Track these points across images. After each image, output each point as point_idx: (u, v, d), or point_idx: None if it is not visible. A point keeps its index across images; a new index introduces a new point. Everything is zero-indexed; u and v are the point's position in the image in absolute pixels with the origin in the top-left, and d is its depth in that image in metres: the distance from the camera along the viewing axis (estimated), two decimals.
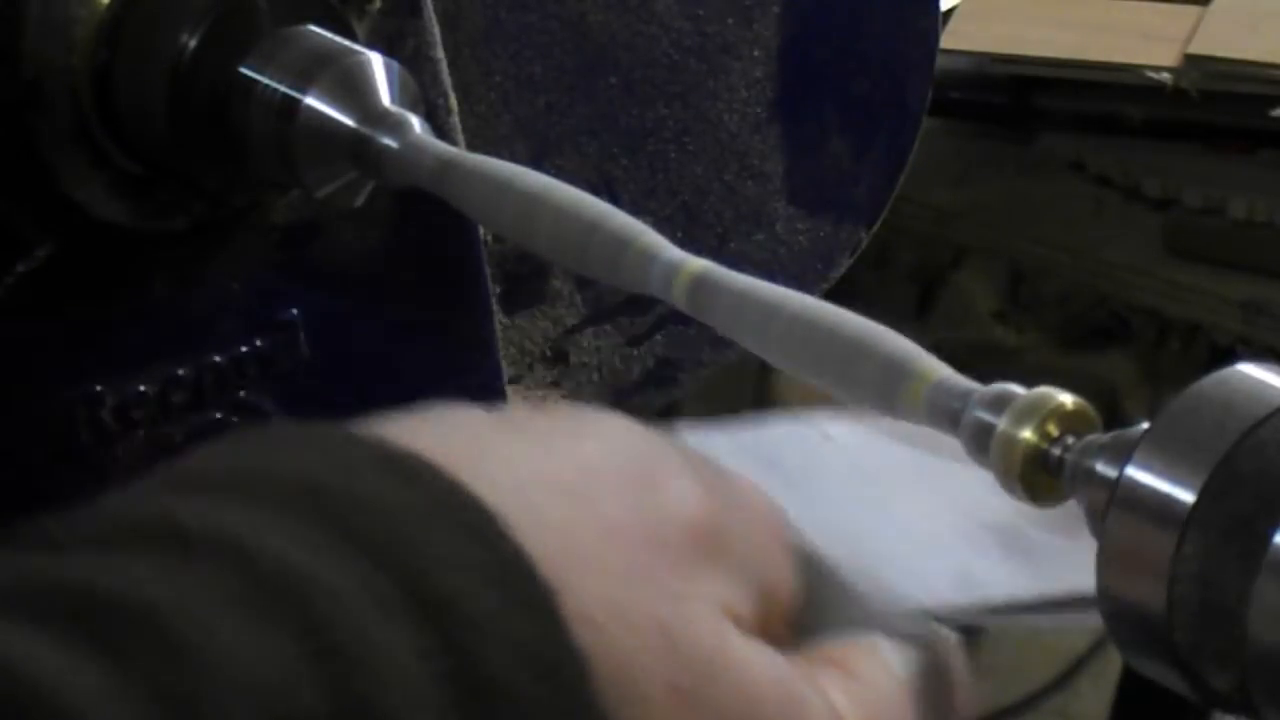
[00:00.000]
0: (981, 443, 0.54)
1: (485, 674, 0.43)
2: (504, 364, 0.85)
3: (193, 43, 0.67)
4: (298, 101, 0.67)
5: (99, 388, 0.71)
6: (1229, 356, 1.67)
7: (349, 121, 0.67)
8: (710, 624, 0.47)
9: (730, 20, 0.91)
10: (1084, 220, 1.83)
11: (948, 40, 1.17)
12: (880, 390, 0.57)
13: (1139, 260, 1.78)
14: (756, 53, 0.92)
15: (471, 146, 0.80)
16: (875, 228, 0.97)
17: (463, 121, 0.81)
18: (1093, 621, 0.53)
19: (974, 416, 0.54)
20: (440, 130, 0.76)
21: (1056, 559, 0.58)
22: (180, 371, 0.73)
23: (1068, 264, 1.81)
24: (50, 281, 0.69)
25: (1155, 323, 1.77)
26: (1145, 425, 0.50)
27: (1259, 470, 0.48)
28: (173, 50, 0.67)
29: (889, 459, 0.62)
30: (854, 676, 0.52)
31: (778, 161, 0.93)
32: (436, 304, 0.81)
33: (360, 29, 0.73)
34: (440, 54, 0.79)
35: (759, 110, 0.92)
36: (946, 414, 0.55)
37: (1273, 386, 0.49)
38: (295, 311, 0.76)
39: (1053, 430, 0.53)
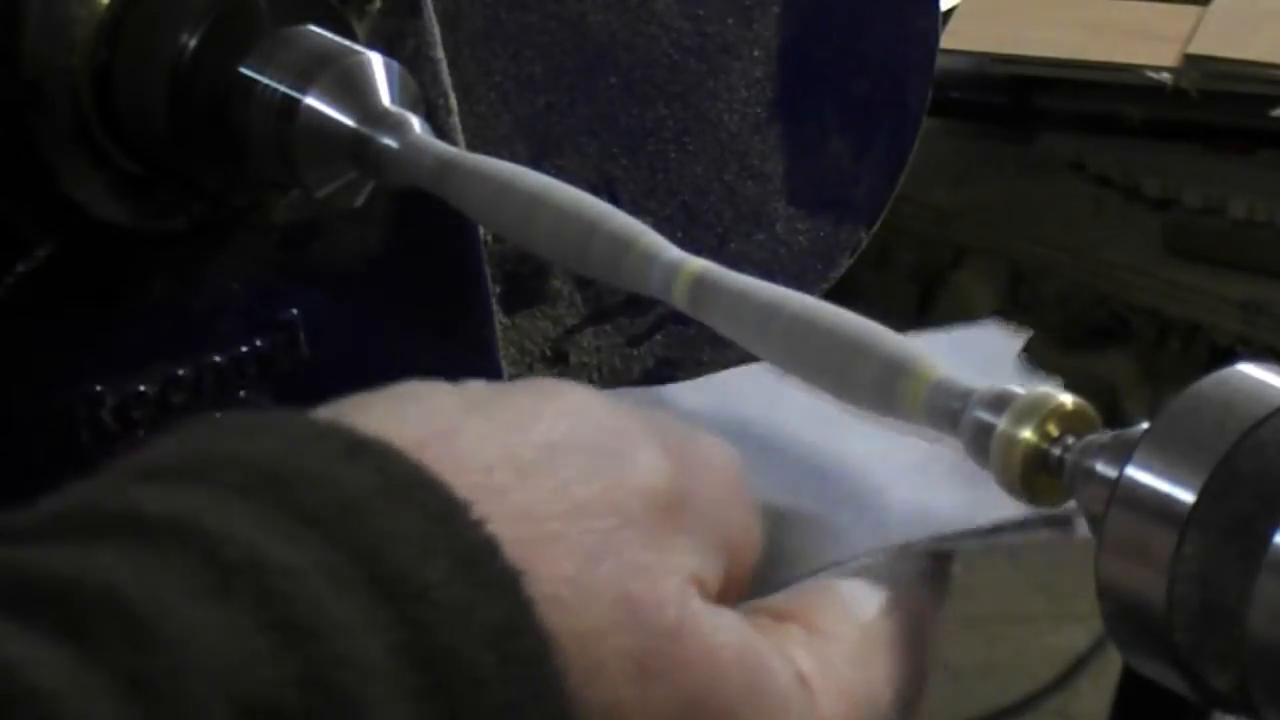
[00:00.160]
0: (981, 443, 0.54)
1: (441, 646, 0.43)
2: (504, 364, 0.85)
3: (193, 43, 0.67)
4: (298, 101, 0.67)
5: (99, 388, 0.71)
6: (1229, 356, 1.67)
7: (349, 121, 0.67)
8: (674, 594, 0.47)
9: (730, 20, 0.90)
10: (1084, 220, 1.83)
11: (948, 40, 1.17)
12: (879, 390, 0.57)
13: (1139, 260, 1.78)
14: (756, 53, 0.92)
15: (471, 146, 0.80)
16: (875, 228, 0.97)
17: (463, 121, 0.81)
18: (1055, 538, 0.54)
19: (973, 416, 0.54)
20: (440, 130, 0.76)
21: None
22: (180, 371, 0.73)
23: (1068, 264, 1.81)
24: (50, 281, 0.69)
25: (1155, 323, 1.77)
26: (1145, 425, 0.50)
27: (1259, 470, 0.48)
28: (173, 50, 0.67)
29: None
30: (816, 631, 0.52)
31: (778, 161, 0.93)
32: (436, 304, 0.81)
33: (360, 29, 0.73)
34: (440, 54, 0.79)
35: (759, 110, 0.92)
36: (946, 414, 0.55)
37: (1273, 386, 0.49)
38: (295, 311, 0.76)
39: (1053, 430, 0.53)
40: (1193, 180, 1.79)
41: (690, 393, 0.66)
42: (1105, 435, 0.53)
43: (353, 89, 0.67)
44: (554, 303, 0.88)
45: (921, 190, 1.81)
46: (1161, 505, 0.48)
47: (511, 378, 0.87)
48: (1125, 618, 0.49)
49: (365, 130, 0.67)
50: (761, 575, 0.53)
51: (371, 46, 0.70)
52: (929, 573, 0.55)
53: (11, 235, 0.68)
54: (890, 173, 0.97)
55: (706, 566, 0.49)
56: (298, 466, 0.45)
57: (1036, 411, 0.53)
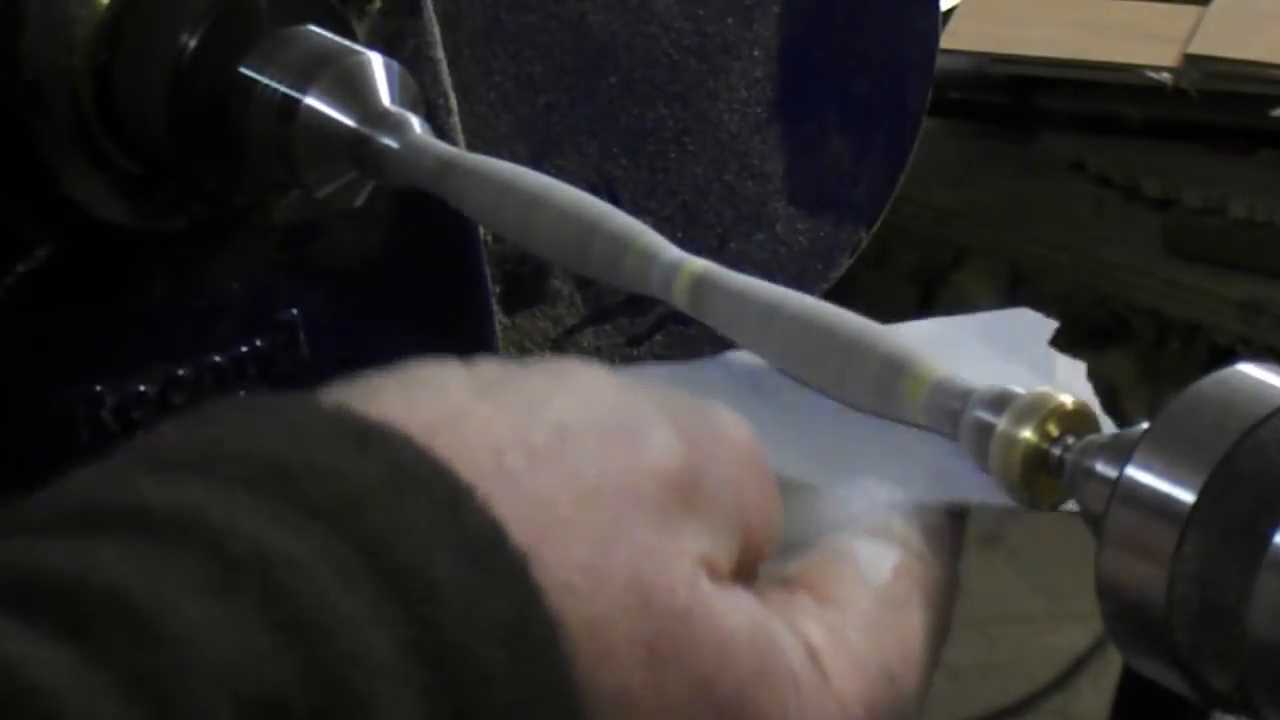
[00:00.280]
0: (981, 443, 0.54)
1: (450, 643, 0.42)
2: None
3: (193, 43, 0.67)
4: (298, 101, 0.67)
5: (99, 388, 0.71)
6: (1229, 356, 1.67)
7: (349, 121, 0.67)
8: (685, 577, 0.47)
9: (730, 20, 0.90)
10: (1084, 220, 1.83)
11: (948, 40, 1.17)
12: (879, 390, 0.57)
13: (1139, 260, 1.78)
14: (756, 53, 0.92)
15: (471, 146, 0.80)
16: (875, 228, 0.97)
17: (463, 121, 0.81)
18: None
19: (973, 416, 0.54)
20: (440, 130, 0.76)
21: None
22: (180, 371, 0.73)
23: (1068, 264, 1.81)
24: (50, 281, 0.69)
25: (1155, 323, 1.77)
26: (1145, 425, 0.50)
27: (1259, 470, 0.48)
28: (173, 50, 0.67)
29: None
30: (828, 600, 0.51)
31: (778, 161, 0.93)
32: (436, 304, 0.81)
33: (360, 29, 0.73)
34: (440, 54, 0.79)
35: (759, 110, 0.92)
36: (946, 414, 0.55)
37: (1273, 386, 0.49)
38: (295, 311, 0.76)
39: (1053, 430, 0.53)
40: (1193, 180, 1.79)
41: (711, 369, 0.65)
42: (1105, 435, 0.53)
43: (353, 89, 0.67)
44: (554, 303, 0.88)
45: (921, 190, 1.80)
46: (1161, 505, 0.48)
47: None
48: (1125, 617, 0.49)
49: (365, 130, 0.67)
50: (778, 544, 0.52)
51: (371, 46, 0.70)
52: (944, 529, 0.55)
53: (11, 235, 0.68)
54: (890, 173, 0.97)
55: (719, 547, 0.49)
56: (304, 458, 0.44)
57: (1036, 411, 0.53)
